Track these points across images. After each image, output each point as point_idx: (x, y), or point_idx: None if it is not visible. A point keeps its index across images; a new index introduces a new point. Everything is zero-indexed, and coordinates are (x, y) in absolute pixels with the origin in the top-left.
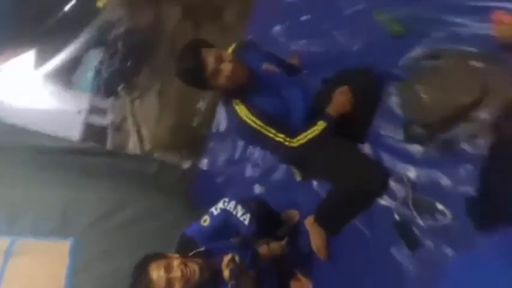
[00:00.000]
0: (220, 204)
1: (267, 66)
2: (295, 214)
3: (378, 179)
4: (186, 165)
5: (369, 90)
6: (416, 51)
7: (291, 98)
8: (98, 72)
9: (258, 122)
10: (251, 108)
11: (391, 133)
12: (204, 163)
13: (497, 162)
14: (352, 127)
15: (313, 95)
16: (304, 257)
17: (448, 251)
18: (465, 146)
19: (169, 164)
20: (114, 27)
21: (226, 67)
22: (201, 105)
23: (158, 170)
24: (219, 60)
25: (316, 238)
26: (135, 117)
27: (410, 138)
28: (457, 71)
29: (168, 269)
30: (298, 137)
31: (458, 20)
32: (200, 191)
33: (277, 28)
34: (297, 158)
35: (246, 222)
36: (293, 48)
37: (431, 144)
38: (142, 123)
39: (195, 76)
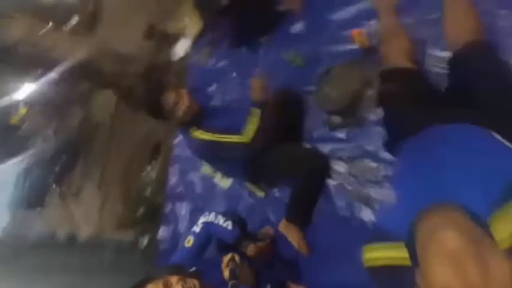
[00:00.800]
0: (200, 220)
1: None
2: (268, 229)
3: (322, 162)
4: (144, 241)
5: (295, 102)
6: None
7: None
8: (19, 184)
9: (214, 134)
10: (205, 128)
11: (320, 127)
12: (164, 231)
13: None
14: (291, 133)
15: None
16: (290, 265)
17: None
18: (370, 116)
19: (126, 245)
20: (36, 136)
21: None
22: (149, 173)
23: (115, 255)
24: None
25: (294, 237)
26: (71, 219)
27: (332, 126)
28: (344, 73)
29: (167, 286)
30: (245, 132)
31: (337, 47)
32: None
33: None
34: (254, 153)
35: (230, 227)
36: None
37: (349, 124)
38: (83, 220)
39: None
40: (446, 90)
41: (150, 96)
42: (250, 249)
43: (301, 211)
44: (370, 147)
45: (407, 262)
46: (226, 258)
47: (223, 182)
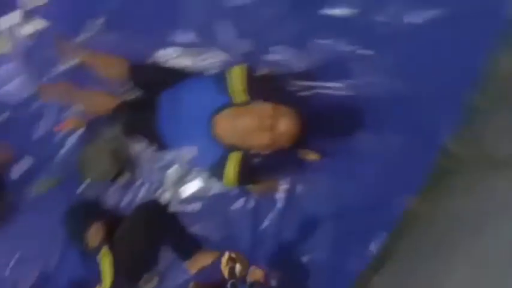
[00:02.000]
0: None
1: None
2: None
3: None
4: None
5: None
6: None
7: None
8: None
9: None
10: None
11: None
12: None
13: None
14: None
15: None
16: None
17: None
18: None
19: None
20: None
21: None
22: None
23: None
24: None
25: (203, 260)
26: None
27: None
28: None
29: None
30: (104, 281)
31: None
32: None
33: None
34: None
35: None
36: None
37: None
38: None
39: None
40: None
41: None
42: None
43: (187, 245)
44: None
45: None
46: (225, 258)
47: None
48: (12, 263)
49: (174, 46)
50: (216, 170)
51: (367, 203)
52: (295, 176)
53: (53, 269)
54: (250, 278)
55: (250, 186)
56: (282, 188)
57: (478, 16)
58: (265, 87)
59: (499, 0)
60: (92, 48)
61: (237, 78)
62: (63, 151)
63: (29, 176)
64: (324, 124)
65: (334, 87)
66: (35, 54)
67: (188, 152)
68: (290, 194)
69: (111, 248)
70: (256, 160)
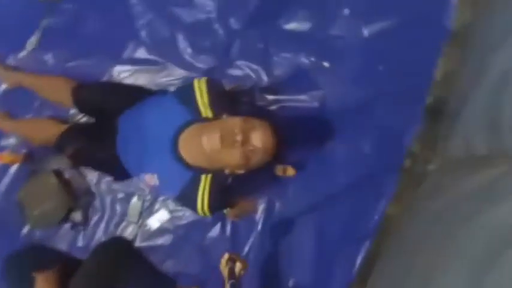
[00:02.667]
0: None
1: None
2: None
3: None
4: None
5: None
6: None
7: None
8: None
9: None
10: None
11: None
12: None
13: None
14: None
15: None
16: None
17: None
18: None
19: None
20: None
21: None
22: None
23: None
24: None
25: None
26: None
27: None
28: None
29: None
30: None
31: None
32: None
33: None
34: None
35: None
36: None
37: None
38: None
39: None
40: None
41: None
42: None
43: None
44: None
45: None
46: (224, 258)
47: None
48: None
49: (129, 64)
50: (186, 199)
51: (345, 213)
52: (272, 193)
53: None
54: None
55: (226, 210)
56: (260, 207)
57: (424, 26)
58: (231, 102)
59: (442, 12)
60: (31, 69)
61: (198, 92)
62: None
63: None
64: (294, 137)
65: (299, 100)
66: None
67: (150, 179)
68: (268, 213)
69: None
70: (228, 182)
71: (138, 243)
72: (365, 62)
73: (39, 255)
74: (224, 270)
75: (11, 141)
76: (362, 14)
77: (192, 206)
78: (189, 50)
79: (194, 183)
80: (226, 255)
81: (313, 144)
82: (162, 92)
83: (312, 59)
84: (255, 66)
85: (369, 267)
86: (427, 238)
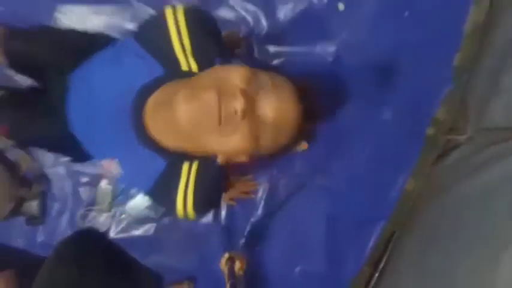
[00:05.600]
0: None
1: None
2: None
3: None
4: None
5: None
6: None
7: None
8: None
9: None
10: None
11: None
12: None
13: None
14: None
15: None
16: None
17: None
18: None
19: None
20: None
21: None
22: None
23: None
24: None
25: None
26: None
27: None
28: None
29: None
30: None
31: None
32: None
33: None
34: None
35: None
36: None
37: None
38: None
39: None
40: None
41: None
42: None
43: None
44: None
45: None
46: (224, 258)
47: None
48: None
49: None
50: (160, 196)
51: (360, 191)
52: (274, 170)
53: None
54: None
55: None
56: (261, 187)
57: None
58: (223, 48)
59: None
60: None
61: (174, 29)
62: None
63: None
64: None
65: (307, 53)
66: None
67: (109, 165)
68: (270, 195)
69: None
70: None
71: (112, 236)
72: (388, 5)
73: None
74: (224, 270)
75: None
76: None
77: (169, 206)
78: None
79: (171, 175)
80: (226, 255)
81: (324, 109)
82: (120, 40)
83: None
84: (252, 7)
85: (383, 248)
86: (451, 227)
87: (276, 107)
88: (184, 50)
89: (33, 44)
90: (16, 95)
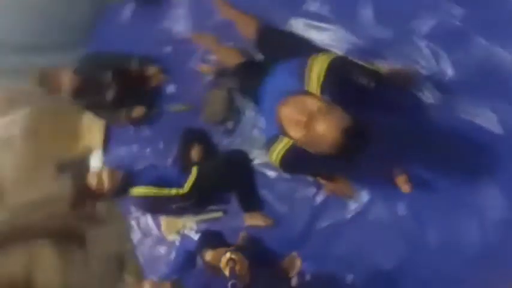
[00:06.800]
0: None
1: None
2: (243, 234)
3: (241, 159)
4: None
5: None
6: None
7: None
8: None
9: (152, 189)
10: (141, 184)
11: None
12: None
13: None
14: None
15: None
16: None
17: None
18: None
19: None
20: None
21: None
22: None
23: None
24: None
25: (258, 219)
26: None
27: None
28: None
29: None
30: (185, 186)
31: None
32: None
33: None
34: (190, 198)
35: (195, 237)
36: None
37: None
38: None
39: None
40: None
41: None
42: (208, 254)
43: (252, 200)
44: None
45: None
46: (225, 257)
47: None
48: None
49: (306, 17)
50: (267, 146)
51: None
52: (376, 189)
53: (161, 167)
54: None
55: (323, 182)
56: (358, 198)
57: None
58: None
59: None
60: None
61: (316, 67)
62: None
63: (171, 98)
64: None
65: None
66: (200, 5)
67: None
68: (365, 209)
69: (200, 169)
70: (303, 155)
71: (254, 165)
72: None
73: (199, 136)
74: (225, 269)
75: (210, 58)
76: None
77: (268, 155)
78: (367, 17)
79: (276, 139)
80: (227, 255)
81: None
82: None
83: None
84: (441, 52)
85: None
86: None
87: (327, 126)
88: (314, 80)
89: (279, 36)
90: (249, 63)
